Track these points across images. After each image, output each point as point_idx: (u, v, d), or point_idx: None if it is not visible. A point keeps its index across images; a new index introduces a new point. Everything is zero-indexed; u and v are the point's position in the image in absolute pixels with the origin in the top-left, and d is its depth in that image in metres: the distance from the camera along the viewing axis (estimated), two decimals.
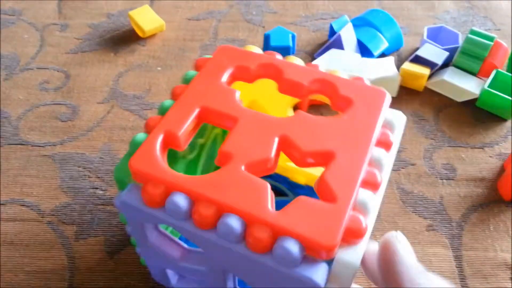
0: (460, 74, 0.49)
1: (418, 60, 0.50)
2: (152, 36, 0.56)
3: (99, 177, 0.42)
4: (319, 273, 0.21)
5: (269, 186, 0.23)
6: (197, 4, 0.61)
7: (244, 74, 0.29)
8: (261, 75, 0.29)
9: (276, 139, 0.24)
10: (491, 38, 0.49)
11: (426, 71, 0.49)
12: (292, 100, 0.35)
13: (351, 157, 0.23)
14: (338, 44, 0.51)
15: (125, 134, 0.46)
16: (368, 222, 0.22)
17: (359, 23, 0.54)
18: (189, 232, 0.23)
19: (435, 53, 0.50)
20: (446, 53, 0.50)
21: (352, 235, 0.21)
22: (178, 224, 0.23)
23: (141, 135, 0.25)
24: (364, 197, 0.22)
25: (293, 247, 0.20)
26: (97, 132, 0.46)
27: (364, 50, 0.52)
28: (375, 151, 0.24)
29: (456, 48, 0.51)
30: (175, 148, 0.25)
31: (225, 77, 0.28)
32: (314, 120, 0.25)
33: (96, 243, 0.38)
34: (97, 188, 0.41)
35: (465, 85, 0.48)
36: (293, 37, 0.51)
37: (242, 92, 0.27)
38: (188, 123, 0.25)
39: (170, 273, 0.31)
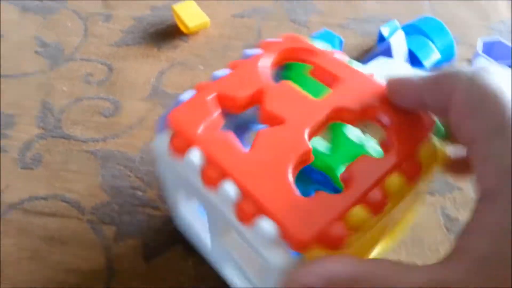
0: None
1: None
2: (195, 32, 0.55)
3: (138, 177, 0.42)
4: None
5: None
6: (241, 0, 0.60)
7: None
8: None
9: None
10: None
11: None
12: None
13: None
14: (386, 52, 0.49)
15: None
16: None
17: (409, 31, 0.52)
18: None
19: None
20: None
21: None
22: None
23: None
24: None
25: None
26: (138, 131, 0.46)
27: (413, 60, 0.50)
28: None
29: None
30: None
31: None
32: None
33: (134, 245, 0.38)
34: (136, 189, 0.41)
35: None
36: (341, 42, 0.50)
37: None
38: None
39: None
